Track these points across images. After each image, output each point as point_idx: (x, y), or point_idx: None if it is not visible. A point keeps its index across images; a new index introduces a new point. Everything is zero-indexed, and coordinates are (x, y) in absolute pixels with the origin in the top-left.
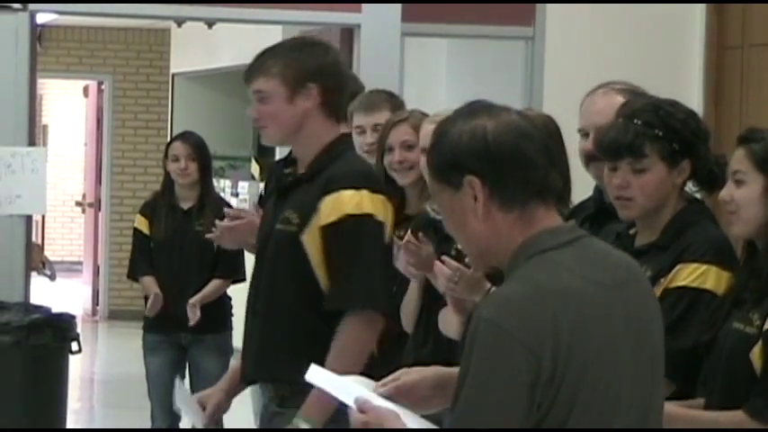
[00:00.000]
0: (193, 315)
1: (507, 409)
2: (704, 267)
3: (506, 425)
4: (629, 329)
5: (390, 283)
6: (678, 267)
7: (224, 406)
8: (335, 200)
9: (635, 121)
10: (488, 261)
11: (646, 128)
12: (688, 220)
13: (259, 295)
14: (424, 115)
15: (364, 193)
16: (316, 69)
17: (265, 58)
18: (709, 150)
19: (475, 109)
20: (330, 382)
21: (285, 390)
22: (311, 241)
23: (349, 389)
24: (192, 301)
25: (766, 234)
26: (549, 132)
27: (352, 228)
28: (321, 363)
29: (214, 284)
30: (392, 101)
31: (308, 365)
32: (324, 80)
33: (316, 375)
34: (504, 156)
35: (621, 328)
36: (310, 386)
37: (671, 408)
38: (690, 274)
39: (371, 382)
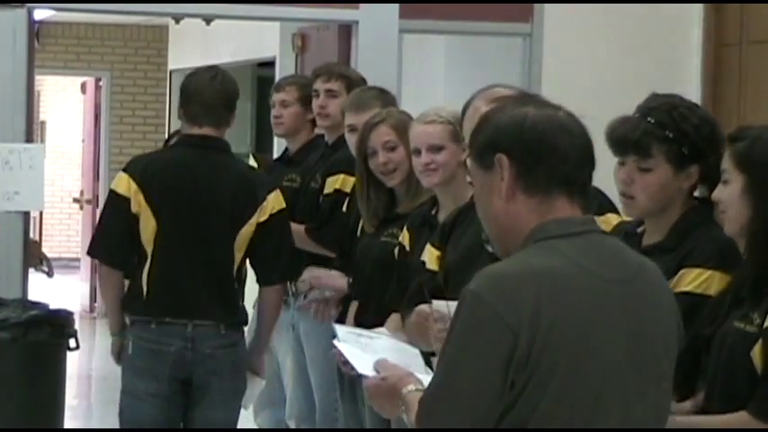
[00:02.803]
0: None
1: (481, 380)
2: (708, 273)
3: (479, 395)
4: (624, 326)
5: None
6: (682, 272)
7: None
8: None
9: (648, 119)
10: (506, 245)
11: (656, 128)
12: (694, 221)
13: None
14: (402, 113)
15: (119, 173)
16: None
17: None
18: (720, 159)
19: (526, 100)
20: (352, 349)
21: None
22: None
23: (367, 359)
24: None
25: (748, 233)
26: None
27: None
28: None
29: None
30: (383, 98)
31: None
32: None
33: (342, 341)
34: (535, 140)
35: (616, 324)
36: None
37: (672, 419)
38: (694, 280)
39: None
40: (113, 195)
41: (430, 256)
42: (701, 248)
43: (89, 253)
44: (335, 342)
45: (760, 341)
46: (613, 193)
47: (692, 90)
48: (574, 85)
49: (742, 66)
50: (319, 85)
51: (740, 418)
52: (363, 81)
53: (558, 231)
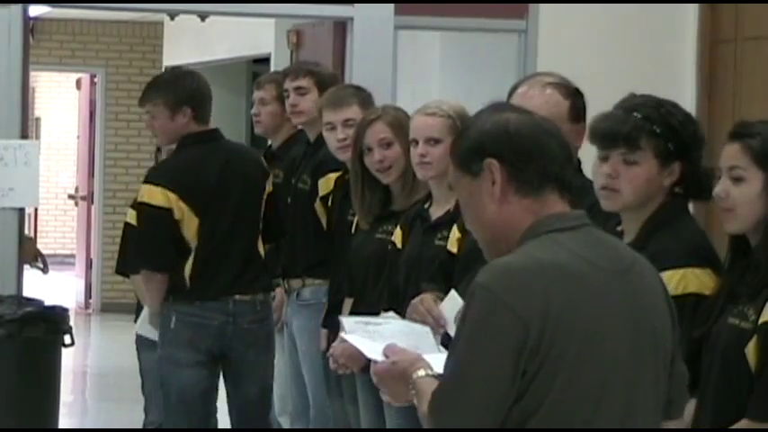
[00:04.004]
0: None
1: (493, 372)
2: (682, 272)
3: (491, 386)
4: (627, 315)
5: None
6: None
7: None
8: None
9: (635, 114)
10: (498, 249)
11: (645, 122)
12: (664, 218)
13: None
14: (398, 110)
15: (147, 186)
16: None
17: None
18: (701, 158)
19: (501, 107)
20: (360, 338)
21: None
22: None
23: (376, 346)
24: None
25: (765, 230)
26: None
27: (136, 211)
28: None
29: None
30: (360, 94)
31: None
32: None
33: (349, 333)
34: (523, 142)
35: (618, 312)
36: None
37: None
38: (669, 281)
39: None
40: (151, 209)
41: (452, 238)
42: (669, 250)
43: (140, 265)
44: (343, 335)
45: (755, 338)
46: None
47: (687, 86)
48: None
49: (737, 62)
50: (288, 84)
51: (744, 427)
52: (335, 77)
53: (557, 225)
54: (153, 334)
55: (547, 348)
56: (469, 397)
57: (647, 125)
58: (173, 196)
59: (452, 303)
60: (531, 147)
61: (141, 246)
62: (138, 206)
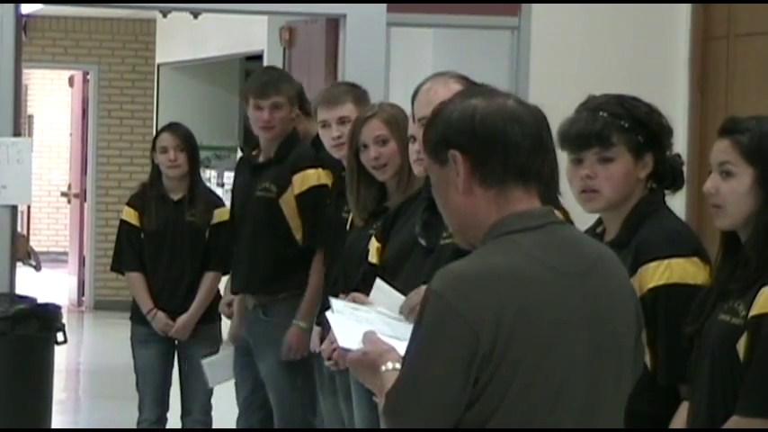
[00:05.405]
0: (185, 333)
1: (442, 378)
2: (666, 262)
3: (440, 393)
4: (585, 317)
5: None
6: (641, 270)
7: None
8: (303, 176)
9: (601, 113)
10: (468, 237)
11: (613, 118)
12: (644, 212)
13: (245, 236)
14: (394, 108)
15: (314, 170)
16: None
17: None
18: (671, 146)
19: (473, 92)
20: (342, 324)
21: (265, 299)
22: (287, 202)
23: (358, 331)
24: (183, 321)
25: (755, 226)
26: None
27: (316, 192)
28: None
29: (205, 288)
30: (354, 92)
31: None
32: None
33: (336, 313)
34: (486, 134)
35: (576, 315)
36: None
37: None
38: (654, 273)
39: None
40: (325, 189)
41: (372, 248)
42: (652, 242)
43: (322, 242)
44: (327, 314)
45: (745, 334)
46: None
47: (679, 83)
48: (561, 79)
49: (729, 59)
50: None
51: (733, 424)
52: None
53: (518, 226)
54: (222, 377)
55: (500, 356)
56: (419, 402)
57: (615, 121)
58: (330, 178)
59: (380, 293)
60: (495, 138)
61: (321, 226)
62: (314, 189)
